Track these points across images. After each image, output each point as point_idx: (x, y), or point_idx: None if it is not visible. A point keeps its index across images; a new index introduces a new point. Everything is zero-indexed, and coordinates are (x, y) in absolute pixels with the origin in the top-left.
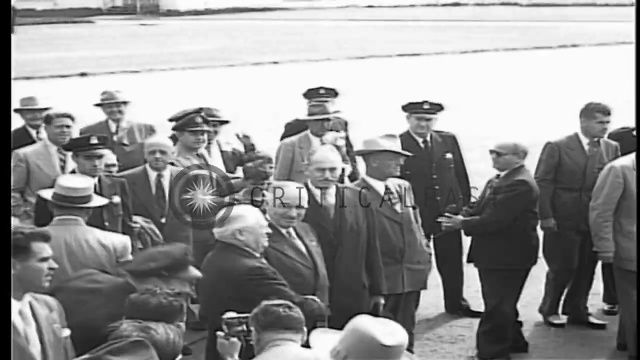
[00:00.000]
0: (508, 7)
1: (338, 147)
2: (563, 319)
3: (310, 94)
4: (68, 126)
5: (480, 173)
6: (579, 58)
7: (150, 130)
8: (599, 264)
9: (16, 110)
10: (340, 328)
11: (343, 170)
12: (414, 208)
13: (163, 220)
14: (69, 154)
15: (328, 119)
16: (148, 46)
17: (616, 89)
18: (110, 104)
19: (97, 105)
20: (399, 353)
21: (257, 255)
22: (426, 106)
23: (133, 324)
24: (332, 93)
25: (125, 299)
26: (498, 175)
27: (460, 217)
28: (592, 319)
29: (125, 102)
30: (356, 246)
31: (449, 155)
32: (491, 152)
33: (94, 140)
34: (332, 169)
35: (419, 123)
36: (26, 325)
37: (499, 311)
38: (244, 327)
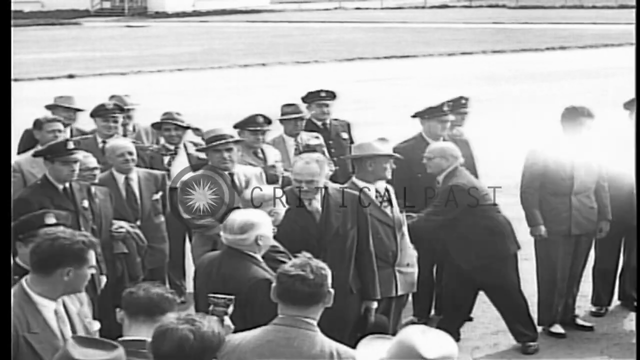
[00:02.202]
0: (495, 9)
1: (312, 147)
2: (560, 328)
3: (310, 97)
4: (60, 131)
5: None
6: (567, 60)
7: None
8: (588, 266)
9: (48, 107)
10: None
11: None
12: (401, 211)
13: (138, 223)
14: None
15: (302, 119)
16: (136, 48)
17: (604, 90)
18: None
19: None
20: None
21: (262, 260)
22: (445, 108)
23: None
24: (332, 95)
25: None
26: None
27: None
28: (580, 321)
29: (133, 108)
30: (342, 250)
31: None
32: (424, 157)
33: (71, 145)
34: (309, 182)
35: (443, 126)
36: (62, 325)
37: (514, 297)
38: (228, 309)
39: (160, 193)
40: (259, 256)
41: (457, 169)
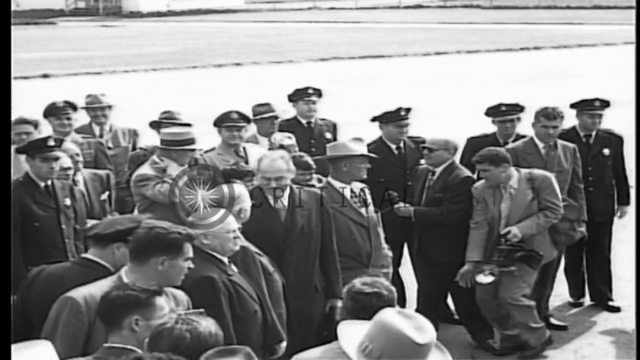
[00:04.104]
0: (470, 10)
1: (285, 147)
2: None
3: (298, 94)
4: (27, 133)
5: None
6: (541, 60)
7: (134, 135)
8: (561, 266)
9: (82, 108)
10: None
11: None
12: (375, 212)
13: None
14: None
15: (276, 117)
16: (110, 48)
17: (577, 90)
18: (95, 108)
19: (82, 108)
20: (430, 349)
21: (224, 260)
22: (402, 113)
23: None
24: (319, 93)
25: None
26: (433, 172)
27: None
28: (554, 321)
29: (110, 106)
30: (307, 249)
31: (423, 161)
32: (423, 147)
33: (51, 142)
34: (278, 178)
35: (400, 130)
36: None
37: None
38: None
39: (107, 193)
40: (216, 253)
41: (454, 162)
